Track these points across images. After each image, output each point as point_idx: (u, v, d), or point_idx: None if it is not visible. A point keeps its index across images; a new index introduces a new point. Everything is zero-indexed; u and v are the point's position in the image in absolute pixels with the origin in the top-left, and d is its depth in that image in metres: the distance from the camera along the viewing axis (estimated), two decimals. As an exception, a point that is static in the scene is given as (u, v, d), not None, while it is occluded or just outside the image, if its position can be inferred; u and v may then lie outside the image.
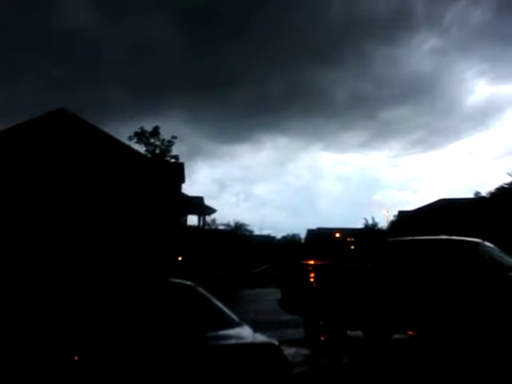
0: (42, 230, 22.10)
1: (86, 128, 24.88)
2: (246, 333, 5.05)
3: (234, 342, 4.85)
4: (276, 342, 4.96)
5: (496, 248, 10.99)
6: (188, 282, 5.94)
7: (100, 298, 5.30)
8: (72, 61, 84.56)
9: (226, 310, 5.50)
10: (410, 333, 11.23)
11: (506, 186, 40.18)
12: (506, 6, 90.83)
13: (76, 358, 4.33)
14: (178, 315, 5.14)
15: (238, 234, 58.47)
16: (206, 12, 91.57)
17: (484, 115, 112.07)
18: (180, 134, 42.18)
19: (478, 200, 45.41)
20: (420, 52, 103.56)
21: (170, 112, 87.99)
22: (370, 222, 64.76)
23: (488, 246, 10.95)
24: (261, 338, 4.98)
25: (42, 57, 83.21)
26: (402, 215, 61.68)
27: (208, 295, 5.69)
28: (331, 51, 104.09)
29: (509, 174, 41.41)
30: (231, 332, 5.02)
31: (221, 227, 58.60)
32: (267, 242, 74.18)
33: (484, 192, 47.71)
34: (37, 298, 5.66)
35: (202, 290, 5.76)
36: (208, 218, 48.07)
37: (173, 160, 38.31)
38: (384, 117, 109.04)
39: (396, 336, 11.24)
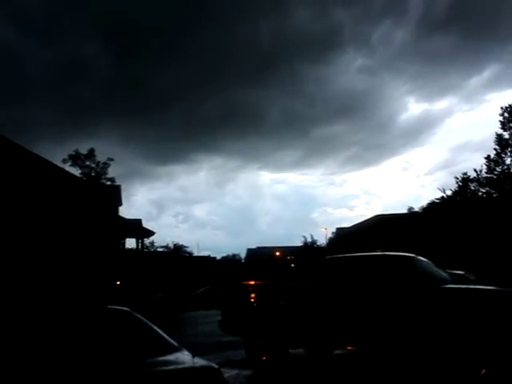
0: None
1: (17, 150, 24.07)
2: (184, 357, 4.98)
3: (172, 367, 4.77)
4: (215, 366, 4.92)
5: (429, 262, 11.33)
6: (125, 308, 5.83)
7: (35, 327, 5.10)
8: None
9: (164, 335, 5.42)
10: (349, 348, 11.40)
11: (438, 200, 41.67)
12: (428, 26, 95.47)
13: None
14: (116, 343, 5.02)
15: (177, 255, 57.92)
16: (140, 32, 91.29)
17: (416, 132, 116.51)
18: (115, 156, 41.43)
19: (412, 215, 46.91)
20: (350, 71, 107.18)
21: (104, 133, 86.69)
22: (309, 239, 65.79)
23: (421, 261, 11.28)
24: (200, 361, 4.93)
25: None
26: (340, 232, 62.94)
27: (145, 321, 5.60)
28: (263, 71, 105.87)
29: (439, 190, 43.08)
30: (170, 357, 4.94)
31: (160, 249, 57.97)
32: (207, 262, 73.74)
33: (417, 207, 49.44)
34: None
35: (139, 316, 5.66)
36: (146, 241, 47.40)
37: (109, 182, 37.75)
38: (318, 135, 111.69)
39: (337, 352, 11.40)
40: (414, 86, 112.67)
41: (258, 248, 77.53)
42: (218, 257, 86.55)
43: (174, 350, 5.15)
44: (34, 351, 4.67)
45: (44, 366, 4.47)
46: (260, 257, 69.26)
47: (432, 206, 42.78)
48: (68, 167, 35.69)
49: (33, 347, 4.73)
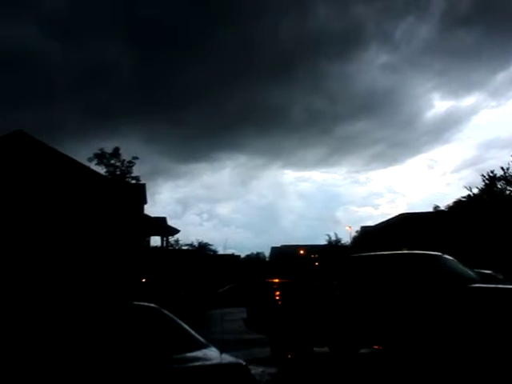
0: (2, 254, 21.51)
1: (45, 150, 24.45)
2: (212, 354, 5.01)
3: (200, 363, 4.81)
4: (243, 362, 4.94)
5: (456, 261, 11.21)
6: (152, 305, 5.88)
7: (64, 323, 5.18)
8: (25, 82, 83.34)
9: (192, 332, 5.46)
10: (376, 347, 11.33)
11: (464, 199, 41.14)
12: (452, 21, 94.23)
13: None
14: (144, 339, 5.07)
15: (201, 253, 58.20)
16: (162, 31, 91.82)
17: (442, 129, 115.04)
18: (139, 155, 41.68)
19: (437, 214, 46.40)
20: (373, 68, 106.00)
21: (128, 132, 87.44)
22: (333, 238, 65.63)
23: (448, 259, 11.15)
24: (228, 358, 4.95)
25: None
26: (365, 231, 62.48)
27: (173, 317, 5.64)
28: (286, 69, 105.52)
29: (465, 188, 42.49)
30: (198, 353, 4.98)
31: (184, 247, 58.32)
32: (231, 261, 73.93)
33: (443, 206, 48.90)
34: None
35: (166, 312, 5.71)
36: (171, 239, 47.71)
37: (134, 181, 38.07)
38: (342, 132, 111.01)
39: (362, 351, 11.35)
40: (439, 82, 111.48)
41: (283, 246, 77.44)
42: (242, 255, 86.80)
43: (202, 346, 5.18)
44: (64, 346, 4.74)
45: (75, 361, 4.54)
46: (284, 255, 69.17)
47: (458, 204, 42.25)
48: (93, 166, 36.11)
49: (63, 342, 4.80)
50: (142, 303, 5.92)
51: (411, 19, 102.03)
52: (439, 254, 11.36)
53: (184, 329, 5.43)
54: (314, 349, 11.73)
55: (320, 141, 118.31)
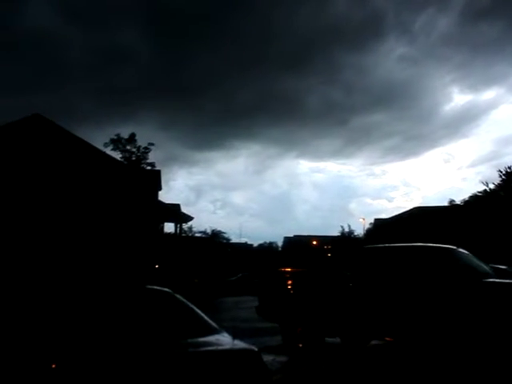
0: (18, 237, 21.73)
1: (62, 134, 24.58)
2: (225, 339, 5.02)
3: (213, 348, 4.82)
4: (255, 348, 4.94)
5: (471, 255, 11.12)
6: (166, 289, 5.91)
7: (78, 305, 5.22)
8: (41, 66, 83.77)
9: (205, 317, 5.48)
10: (387, 339, 11.30)
11: (480, 194, 40.79)
12: (472, 13, 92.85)
13: (53, 365, 4.26)
14: (157, 322, 5.09)
15: (215, 241, 58.39)
16: (180, 18, 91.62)
17: (460, 123, 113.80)
18: (154, 141, 41.68)
19: (453, 208, 46.06)
20: (391, 59, 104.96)
21: (143, 118, 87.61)
22: (347, 229, 65.50)
23: (463, 253, 11.08)
24: (240, 344, 4.96)
25: (8, 60, 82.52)
26: (378, 223, 62.20)
27: (186, 302, 5.66)
28: (302, 58, 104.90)
29: (482, 183, 42.14)
30: (210, 338, 4.99)
31: (198, 235, 58.56)
32: (244, 249, 74.13)
33: (458, 200, 48.52)
34: (13, 307, 5.55)
35: (179, 297, 5.73)
36: (185, 226, 47.92)
37: (149, 167, 38.18)
38: (358, 124, 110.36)
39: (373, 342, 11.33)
40: (459, 75, 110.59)
41: (295, 236, 77.45)
42: (255, 244, 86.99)
43: (215, 331, 5.20)
44: (79, 329, 4.78)
45: (89, 344, 4.58)
46: (297, 245, 69.19)
47: (474, 199, 41.91)
48: (109, 151, 36.20)
49: (78, 325, 4.84)
50: (155, 287, 5.95)
51: (431, 11, 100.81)
52: (454, 247, 11.29)
53: (197, 313, 5.45)
54: (326, 339, 11.73)
55: (336, 132, 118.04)
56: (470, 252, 11.36)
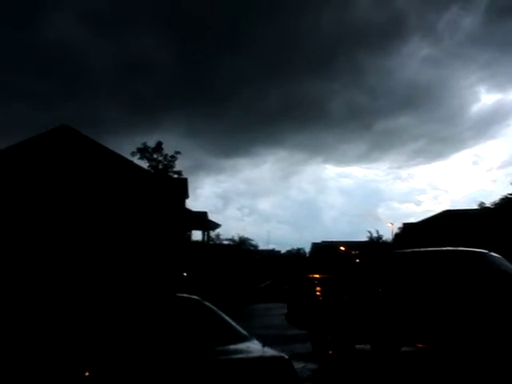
0: (49, 247, 22.07)
1: (90, 144, 24.93)
2: (255, 346, 5.01)
3: (243, 355, 4.81)
4: (286, 356, 4.91)
5: (503, 258, 10.92)
6: (195, 297, 5.92)
7: (110, 314, 5.27)
8: (69, 78, 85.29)
9: (234, 324, 5.47)
10: (419, 345, 11.14)
11: (510, 196, 40.06)
12: (498, 10, 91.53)
13: (87, 373, 4.30)
14: (187, 330, 5.11)
15: (242, 248, 58.42)
16: (202, 25, 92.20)
17: (488, 123, 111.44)
18: (180, 149, 41.94)
19: (483, 211, 45.28)
20: (415, 61, 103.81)
21: (169, 127, 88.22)
22: (375, 234, 64.83)
23: (495, 257, 10.89)
24: (270, 351, 4.94)
25: (31, 73, 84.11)
26: (407, 227, 61.46)
27: (215, 309, 5.67)
28: (326, 62, 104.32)
29: (512, 184, 41.35)
30: (240, 346, 4.98)
31: (225, 242, 58.66)
32: (272, 256, 74.02)
33: (488, 203, 47.66)
34: (47, 316, 5.64)
35: (208, 304, 5.74)
36: (212, 233, 48.03)
37: (176, 175, 38.38)
38: (383, 127, 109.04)
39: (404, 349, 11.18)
40: (485, 75, 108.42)
41: (323, 242, 77.03)
42: (283, 251, 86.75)
43: (245, 339, 5.19)
44: (113, 338, 4.82)
45: (122, 351, 4.61)
46: (325, 251, 68.79)
47: (505, 201, 41.15)
48: (136, 160, 36.49)
49: (111, 333, 4.89)
50: (185, 295, 5.97)
51: (455, 9, 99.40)
52: (485, 251, 11.10)
53: (226, 321, 5.45)
54: (356, 346, 11.61)
55: (361, 136, 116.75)
56: (502, 256, 11.16)
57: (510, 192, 40.81)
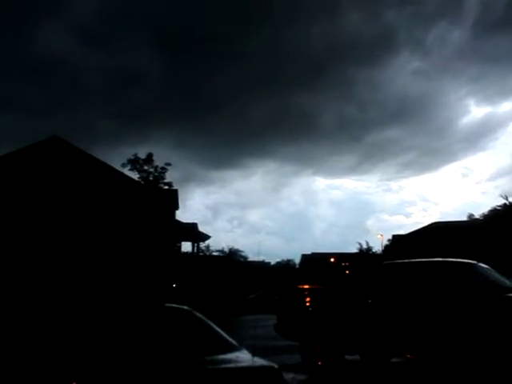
0: (40, 259, 21.93)
1: (80, 155, 24.86)
2: (244, 356, 5.02)
3: (233, 365, 4.82)
4: (276, 365, 4.92)
5: (491, 269, 11.00)
6: (185, 307, 5.93)
7: (100, 324, 5.27)
8: (56, 89, 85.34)
9: (224, 334, 5.48)
10: (408, 356, 11.17)
11: (499, 208, 40.36)
12: (486, 25, 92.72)
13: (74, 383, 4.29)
14: (177, 340, 5.11)
15: (232, 259, 58.36)
16: (192, 37, 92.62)
17: (477, 136, 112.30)
18: (169, 161, 42.02)
19: (472, 223, 45.59)
20: (405, 74, 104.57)
21: (159, 138, 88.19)
22: (364, 246, 64.97)
23: (483, 268, 10.96)
24: (260, 361, 4.95)
25: (22, 84, 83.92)
26: (396, 239, 61.67)
27: (205, 319, 5.68)
28: (316, 75, 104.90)
29: (501, 197, 41.72)
30: (230, 356, 4.99)
31: (215, 253, 58.55)
32: (262, 267, 73.89)
33: (478, 214, 48.00)
34: (33, 328, 5.62)
35: (198, 315, 5.75)
36: (202, 245, 47.91)
37: (166, 187, 38.38)
38: (373, 140, 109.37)
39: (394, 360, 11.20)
40: (474, 88, 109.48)
41: (313, 254, 77.07)
42: (273, 262, 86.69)
43: (234, 348, 5.20)
44: (101, 348, 4.82)
45: (109, 361, 4.60)
46: (315, 263, 68.83)
47: (494, 213, 41.45)
48: (127, 171, 36.47)
49: (101, 344, 4.88)
50: (175, 305, 5.98)
51: (443, 24, 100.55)
52: (474, 262, 11.18)
53: (216, 331, 5.46)
54: (345, 356, 11.62)
55: (351, 148, 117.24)
56: (491, 267, 11.24)
57: (498, 204, 41.14)
